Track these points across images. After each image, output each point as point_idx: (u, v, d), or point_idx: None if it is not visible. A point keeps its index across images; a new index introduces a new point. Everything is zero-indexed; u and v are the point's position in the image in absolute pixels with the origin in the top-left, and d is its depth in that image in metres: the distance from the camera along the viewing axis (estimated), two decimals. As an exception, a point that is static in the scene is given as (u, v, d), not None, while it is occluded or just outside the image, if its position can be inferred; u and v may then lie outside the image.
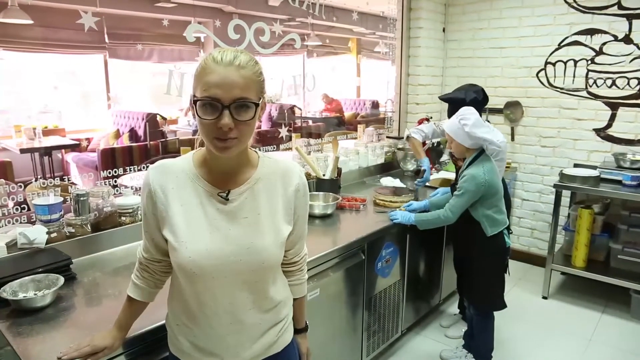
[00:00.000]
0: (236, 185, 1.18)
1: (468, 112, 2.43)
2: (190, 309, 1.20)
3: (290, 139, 3.40)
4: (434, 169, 3.88)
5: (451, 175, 3.60)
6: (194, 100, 1.06)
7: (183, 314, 1.23)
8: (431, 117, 3.88)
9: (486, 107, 4.19)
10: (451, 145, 2.53)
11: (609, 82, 3.64)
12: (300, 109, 6.56)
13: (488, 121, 4.19)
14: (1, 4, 2.83)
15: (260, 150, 1.30)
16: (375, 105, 8.24)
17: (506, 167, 4.02)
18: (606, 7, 3.56)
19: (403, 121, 4.33)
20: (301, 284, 1.42)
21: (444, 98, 3.07)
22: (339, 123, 7.50)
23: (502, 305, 2.56)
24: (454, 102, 2.89)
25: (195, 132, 6.34)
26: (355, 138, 4.18)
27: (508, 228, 2.54)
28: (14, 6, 2.86)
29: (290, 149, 3.36)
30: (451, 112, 2.91)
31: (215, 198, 1.16)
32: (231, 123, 1.04)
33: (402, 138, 4.24)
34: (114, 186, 2.36)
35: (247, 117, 1.06)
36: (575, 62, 3.77)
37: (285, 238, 1.23)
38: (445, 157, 4.00)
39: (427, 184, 3.46)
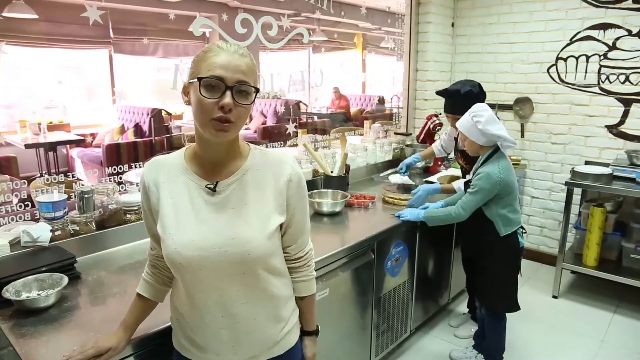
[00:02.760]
0: (225, 177, 1.19)
1: (481, 109, 2.35)
2: (184, 302, 1.22)
3: (297, 134, 3.35)
4: (442, 166, 3.83)
5: (458, 172, 3.54)
6: (198, 78, 1.07)
7: (180, 308, 1.24)
8: (440, 113, 3.81)
9: (495, 103, 4.15)
10: (464, 143, 2.44)
11: (622, 77, 3.57)
12: (305, 105, 6.51)
13: (497, 118, 4.16)
14: (5, -2, 2.80)
15: (267, 146, 1.27)
16: (381, 101, 8.17)
17: (515, 163, 3.99)
18: (620, 1, 3.48)
19: (411, 117, 4.28)
20: (308, 281, 1.36)
21: (440, 92, 3.00)
22: (345, 119, 7.43)
23: (516, 307, 2.50)
24: (449, 95, 2.84)
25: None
26: (362, 134, 4.13)
27: (522, 227, 2.49)
28: (19, 1, 2.82)
29: (296, 145, 3.31)
30: (448, 106, 2.86)
31: (204, 190, 1.18)
32: (232, 103, 1.07)
33: (411, 134, 4.20)
34: (119, 183, 2.33)
35: (247, 101, 1.10)
36: (588, 57, 3.70)
37: (275, 229, 1.20)
38: (452, 155, 3.94)
39: (434, 180, 3.42)
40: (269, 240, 1.18)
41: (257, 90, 1.12)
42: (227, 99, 1.06)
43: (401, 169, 3.20)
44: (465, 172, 3.03)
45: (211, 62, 1.08)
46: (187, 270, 1.15)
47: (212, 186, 1.17)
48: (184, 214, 1.16)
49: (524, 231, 2.49)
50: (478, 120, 2.29)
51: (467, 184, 2.50)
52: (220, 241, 1.14)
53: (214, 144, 1.14)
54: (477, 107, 2.36)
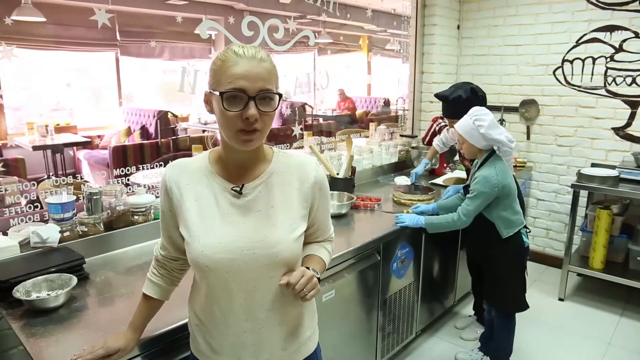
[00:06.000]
0: (250, 180, 1.18)
1: (482, 113, 2.34)
2: (207, 306, 1.20)
3: (302, 136, 3.37)
4: (448, 168, 3.83)
5: (464, 175, 3.54)
6: (220, 93, 1.06)
7: (201, 312, 1.22)
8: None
9: (501, 105, 4.15)
10: (462, 145, 2.44)
11: (628, 79, 3.56)
12: (311, 107, 6.52)
13: (503, 120, 4.15)
14: (14, 1, 2.83)
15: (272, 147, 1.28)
16: (386, 103, 8.16)
17: (521, 166, 3.98)
18: (627, 3, 3.47)
19: (417, 119, 4.28)
20: (324, 248, 1.35)
21: (436, 95, 3.00)
22: (351, 121, 7.44)
23: (525, 306, 2.51)
24: (440, 99, 2.85)
25: (205, 130, 6.32)
26: (368, 136, 4.14)
27: (525, 227, 2.48)
28: (27, 4, 2.85)
29: (302, 147, 3.32)
30: (445, 110, 2.86)
31: (229, 192, 1.17)
32: (257, 114, 1.06)
33: (416, 136, 4.20)
34: (126, 184, 2.34)
35: (271, 108, 1.09)
36: (594, 59, 3.69)
37: (300, 234, 1.20)
38: (456, 157, 3.94)
39: (441, 182, 3.44)
40: (295, 243, 1.19)
41: (280, 95, 1.11)
42: (251, 110, 1.05)
43: (414, 180, 3.29)
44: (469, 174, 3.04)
45: (231, 73, 1.06)
46: (213, 272, 1.13)
47: (237, 189, 1.16)
48: (210, 216, 1.15)
49: (528, 231, 2.49)
50: (480, 124, 2.29)
51: (466, 189, 2.50)
52: (248, 243, 1.13)
53: (240, 149, 1.13)
54: (478, 111, 2.35)
